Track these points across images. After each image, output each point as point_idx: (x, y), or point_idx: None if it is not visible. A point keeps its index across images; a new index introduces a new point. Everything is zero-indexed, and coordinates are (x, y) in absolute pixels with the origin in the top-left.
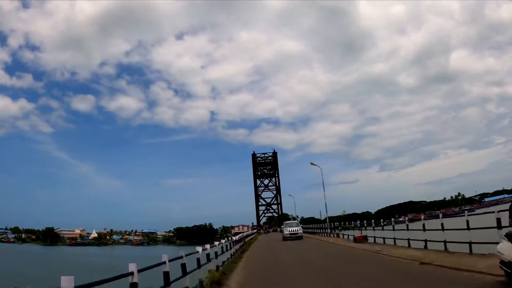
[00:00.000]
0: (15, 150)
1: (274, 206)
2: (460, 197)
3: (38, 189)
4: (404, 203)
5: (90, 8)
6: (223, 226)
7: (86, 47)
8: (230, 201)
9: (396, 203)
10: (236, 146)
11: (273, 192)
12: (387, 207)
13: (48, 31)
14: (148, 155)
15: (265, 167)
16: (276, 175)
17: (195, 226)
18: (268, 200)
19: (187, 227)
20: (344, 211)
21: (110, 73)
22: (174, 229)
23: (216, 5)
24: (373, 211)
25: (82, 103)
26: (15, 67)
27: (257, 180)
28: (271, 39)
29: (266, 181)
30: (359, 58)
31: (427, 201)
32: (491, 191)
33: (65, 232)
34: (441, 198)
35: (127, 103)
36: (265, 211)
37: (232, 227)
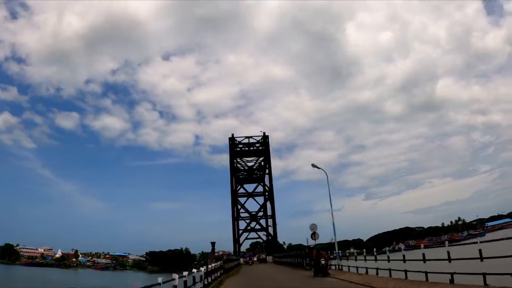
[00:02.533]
0: None
1: (261, 223)
2: (460, 222)
3: (17, 204)
4: (400, 229)
5: (78, 23)
6: (202, 251)
7: (72, 62)
8: (212, 227)
9: (390, 229)
10: (221, 171)
11: (258, 203)
12: (381, 233)
13: (35, 44)
14: (131, 177)
15: (249, 159)
16: (267, 172)
17: (169, 250)
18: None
19: (160, 251)
20: (331, 239)
21: (95, 91)
22: (146, 253)
23: (204, 26)
24: (364, 238)
25: (66, 120)
26: (0, 78)
27: (236, 184)
28: (259, 63)
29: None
30: (346, 85)
31: (425, 227)
32: (473, 219)
33: (27, 250)
34: (435, 225)
35: (111, 122)
36: (248, 230)
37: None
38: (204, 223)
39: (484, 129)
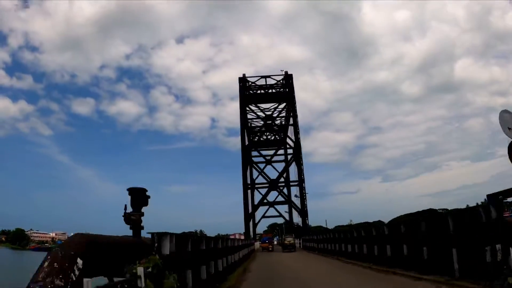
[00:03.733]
0: (15, 151)
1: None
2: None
3: (35, 191)
4: (424, 211)
5: (90, 8)
6: (218, 234)
7: (86, 48)
8: (229, 209)
9: (410, 211)
10: (237, 154)
11: (277, 171)
12: (403, 215)
13: (48, 31)
14: (147, 161)
15: (266, 106)
16: (291, 122)
17: (183, 233)
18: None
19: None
20: (351, 221)
21: (110, 76)
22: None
23: (217, 6)
24: (385, 220)
25: (82, 106)
26: (15, 67)
27: (249, 142)
28: (273, 43)
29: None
30: (362, 65)
31: (448, 208)
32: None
33: (38, 234)
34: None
35: (127, 107)
36: (265, 203)
37: (228, 236)
38: (221, 206)
39: None
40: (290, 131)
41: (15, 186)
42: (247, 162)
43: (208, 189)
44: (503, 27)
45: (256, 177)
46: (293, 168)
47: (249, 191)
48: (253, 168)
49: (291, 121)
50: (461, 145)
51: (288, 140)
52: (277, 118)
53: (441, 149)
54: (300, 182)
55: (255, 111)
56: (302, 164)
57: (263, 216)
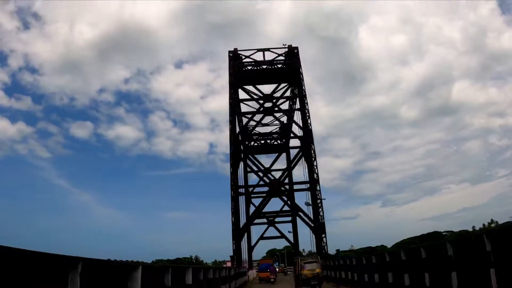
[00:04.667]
0: (13, 173)
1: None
2: (493, 225)
3: (33, 214)
4: (429, 233)
5: (89, 32)
6: (215, 260)
7: (85, 72)
8: (227, 235)
9: (413, 235)
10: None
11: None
12: (407, 239)
13: (48, 53)
14: (145, 186)
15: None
16: (297, 107)
17: (178, 259)
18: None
19: (168, 260)
20: (352, 246)
21: (108, 100)
22: (152, 261)
23: (216, 33)
24: (388, 244)
25: (81, 130)
26: (15, 88)
27: (242, 132)
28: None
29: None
30: (360, 90)
31: (455, 231)
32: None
33: None
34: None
35: (125, 132)
36: (262, 214)
37: (225, 262)
38: (219, 231)
39: (501, 132)
40: (296, 116)
41: (10, 207)
42: (237, 157)
43: (206, 215)
44: (499, 48)
45: (253, 188)
46: (298, 170)
47: (241, 199)
48: (247, 169)
49: (297, 106)
50: (460, 167)
51: (294, 129)
52: (279, 101)
53: (441, 172)
54: (313, 183)
55: (250, 93)
56: (314, 159)
57: (262, 237)
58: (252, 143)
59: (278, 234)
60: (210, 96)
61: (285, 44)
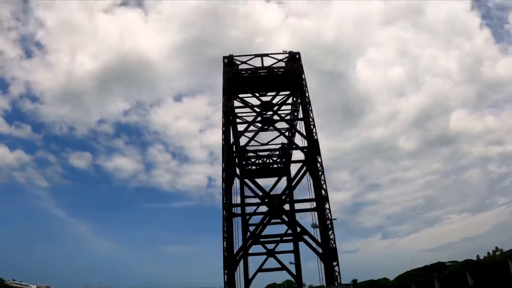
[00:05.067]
0: (10, 201)
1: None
2: (498, 253)
3: (30, 243)
4: (431, 265)
5: (91, 63)
6: None
7: (85, 102)
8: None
9: (420, 265)
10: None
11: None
12: (411, 271)
13: (49, 82)
14: (143, 218)
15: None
16: (300, 116)
17: None
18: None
19: None
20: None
21: (108, 131)
22: None
23: (215, 66)
24: (390, 277)
25: (79, 160)
26: (15, 116)
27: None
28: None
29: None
30: (359, 123)
31: (459, 261)
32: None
33: (17, 285)
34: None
35: (124, 163)
36: (262, 240)
37: None
38: (217, 265)
39: (500, 160)
40: (299, 127)
41: (6, 235)
42: (232, 170)
43: (205, 248)
44: (494, 76)
45: (255, 209)
46: (299, 190)
47: (236, 221)
48: (243, 188)
49: (300, 115)
50: (460, 197)
51: (297, 140)
52: (280, 110)
53: (441, 202)
54: (321, 201)
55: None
56: (322, 172)
57: (260, 269)
58: (249, 166)
59: (279, 266)
60: (209, 129)
61: (286, 51)
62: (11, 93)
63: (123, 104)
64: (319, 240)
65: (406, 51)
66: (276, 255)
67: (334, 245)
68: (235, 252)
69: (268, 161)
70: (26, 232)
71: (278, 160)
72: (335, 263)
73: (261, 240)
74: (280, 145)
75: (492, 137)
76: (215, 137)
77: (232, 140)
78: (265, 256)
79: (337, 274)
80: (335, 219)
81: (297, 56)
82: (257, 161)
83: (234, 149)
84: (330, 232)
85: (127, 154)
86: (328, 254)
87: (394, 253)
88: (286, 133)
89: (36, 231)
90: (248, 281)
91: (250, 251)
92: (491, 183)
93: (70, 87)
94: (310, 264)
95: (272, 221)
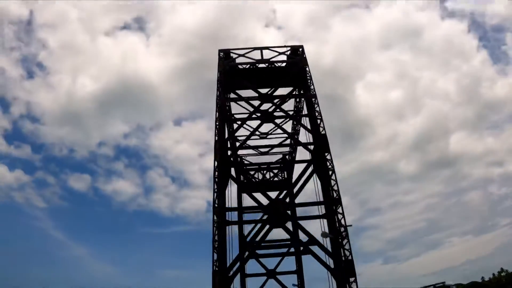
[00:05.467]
0: (8, 221)
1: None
2: (504, 274)
3: (26, 265)
4: (436, 284)
5: (92, 85)
6: None
7: (86, 124)
8: None
9: (426, 284)
10: (234, 237)
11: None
12: None
13: (50, 103)
14: (142, 242)
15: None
16: (314, 103)
17: None
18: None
19: None
20: None
21: (108, 154)
22: None
23: (215, 91)
24: None
25: (78, 182)
26: (15, 136)
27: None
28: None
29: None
30: (359, 146)
31: (464, 283)
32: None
33: None
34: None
35: (123, 187)
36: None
37: None
38: None
39: (500, 181)
40: (303, 123)
41: (3, 255)
42: (225, 172)
43: (203, 273)
44: (493, 97)
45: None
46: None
47: (230, 230)
48: (241, 196)
49: (305, 111)
50: (461, 219)
51: (301, 138)
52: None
53: (442, 225)
54: (332, 204)
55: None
56: (333, 172)
57: None
58: (246, 179)
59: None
60: (208, 154)
61: (288, 47)
62: (12, 113)
63: (123, 127)
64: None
65: (405, 74)
66: (277, 276)
67: (350, 257)
68: (231, 273)
69: (267, 173)
70: (23, 253)
71: (279, 172)
72: (352, 279)
73: (258, 252)
74: (280, 156)
75: (493, 158)
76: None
77: (226, 135)
78: (264, 278)
79: None
80: (351, 225)
81: (300, 49)
82: (255, 174)
83: (228, 143)
84: (345, 241)
85: (127, 177)
86: (344, 268)
87: (396, 278)
88: (289, 129)
89: (33, 251)
90: None
91: (247, 271)
92: (493, 204)
93: (71, 108)
94: (317, 286)
95: (272, 230)
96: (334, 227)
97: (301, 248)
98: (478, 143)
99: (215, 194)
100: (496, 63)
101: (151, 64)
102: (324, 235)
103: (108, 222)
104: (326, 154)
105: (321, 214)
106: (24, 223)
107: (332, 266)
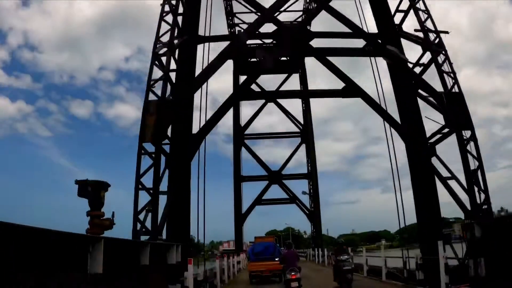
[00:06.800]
0: (13, 152)
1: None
2: (503, 213)
3: (29, 191)
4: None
5: (89, 9)
6: (212, 241)
7: (85, 49)
8: (227, 216)
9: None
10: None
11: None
12: (412, 224)
13: (47, 31)
14: (147, 165)
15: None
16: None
17: None
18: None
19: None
20: (353, 230)
21: (109, 78)
22: None
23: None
24: (391, 230)
25: (81, 108)
26: (14, 66)
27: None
28: None
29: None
30: (365, 72)
31: (462, 218)
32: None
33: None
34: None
35: (125, 111)
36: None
37: (221, 243)
38: (218, 212)
39: (504, 123)
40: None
41: (11, 186)
42: (240, 142)
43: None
44: (506, 36)
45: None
46: (298, 157)
47: (243, 185)
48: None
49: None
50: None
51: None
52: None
53: (444, 159)
54: (312, 173)
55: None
56: (312, 147)
57: (260, 200)
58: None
59: (285, 195)
60: (211, 78)
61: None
62: (9, 44)
63: (123, 50)
64: (308, 205)
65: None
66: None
67: (318, 210)
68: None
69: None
70: (29, 182)
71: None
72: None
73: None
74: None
75: (499, 98)
76: (218, 84)
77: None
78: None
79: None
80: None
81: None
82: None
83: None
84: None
85: (129, 101)
86: (313, 216)
87: (394, 207)
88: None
89: (39, 180)
90: (240, 217)
91: (253, 212)
92: (494, 144)
93: (69, 34)
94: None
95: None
96: (313, 188)
97: None
98: (486, 82)
99: (233, 156)
100: None
101: None
102: (303, 193)
103: (112, 146)
104: (310, 134)
105: (303, 176)
106: (30, 153)
107: (307, 213)
